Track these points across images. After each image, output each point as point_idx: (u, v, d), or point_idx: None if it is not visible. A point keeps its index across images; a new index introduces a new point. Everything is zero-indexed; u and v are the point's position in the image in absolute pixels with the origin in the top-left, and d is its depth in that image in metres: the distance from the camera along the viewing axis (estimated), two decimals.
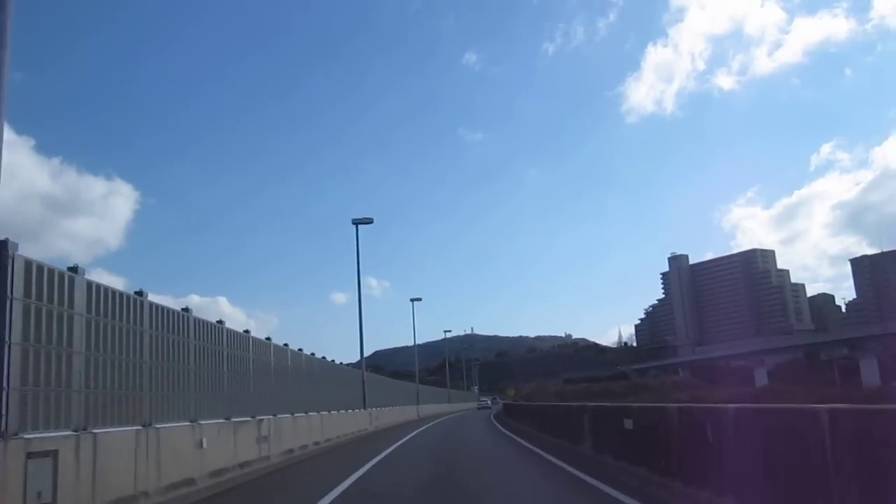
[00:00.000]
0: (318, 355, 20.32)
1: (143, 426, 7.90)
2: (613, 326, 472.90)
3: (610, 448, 10.61)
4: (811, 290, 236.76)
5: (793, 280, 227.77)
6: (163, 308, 8.88)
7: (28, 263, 6.03)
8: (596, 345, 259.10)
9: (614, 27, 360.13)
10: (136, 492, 7.36)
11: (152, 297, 8.48)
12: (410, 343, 58.98)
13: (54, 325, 6.34)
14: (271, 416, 13.44)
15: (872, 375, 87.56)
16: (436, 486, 10.04)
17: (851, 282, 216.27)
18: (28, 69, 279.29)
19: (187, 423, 9.22)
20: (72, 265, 6.77)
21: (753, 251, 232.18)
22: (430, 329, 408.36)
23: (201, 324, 10.28)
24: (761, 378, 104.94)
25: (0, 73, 6.12)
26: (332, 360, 21.80)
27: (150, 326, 8.42)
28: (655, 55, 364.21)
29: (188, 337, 9.70)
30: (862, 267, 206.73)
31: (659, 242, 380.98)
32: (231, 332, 11.72)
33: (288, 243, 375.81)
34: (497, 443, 19.21)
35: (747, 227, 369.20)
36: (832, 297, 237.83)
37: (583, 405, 13.51)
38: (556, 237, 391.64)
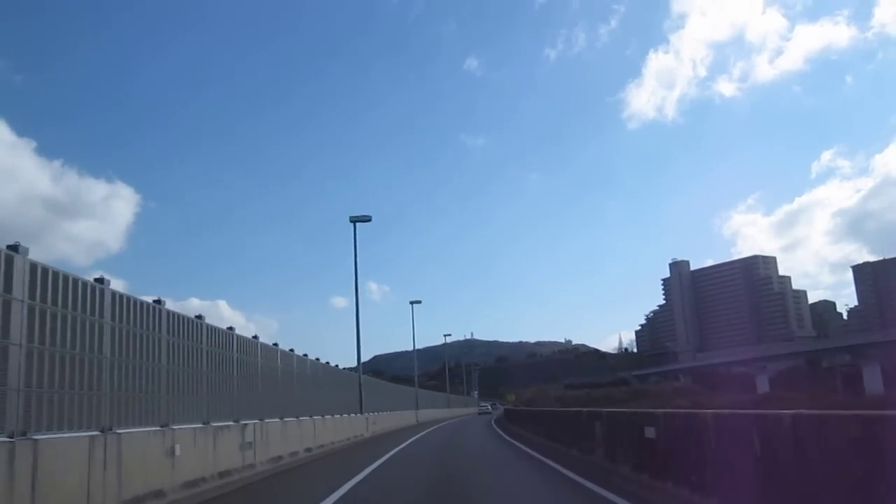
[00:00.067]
0: (319, 359, 19.41)
1: (101, 431, 6.92)
2: (614, 332, 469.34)
3: (627, 458, 9.63)
4: (811, 298, 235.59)
5: (793, 287, 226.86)
6: (128, 298, 7.91)
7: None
8: (596, 350, 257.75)
9: (616, 33, 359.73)
10: None
11: (114, 286, 7.51)
12: (410, 348, 58.06)
13: None
14: (257, 421, 12.45)
15: (875, 382, 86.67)
16: (436, 500, 9.07)
17: (851, 289, 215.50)
18: (29, 71, 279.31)
19: (156, 429, 8.24)
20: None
21: (755, 257, 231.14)
22: (430, 334, 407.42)
23: (176, 318, 9.32)
24: (763, 385, 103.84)
25: None
26: (328, 363, 20.77)
27: (113, 319, 7.44)
28: (657, 61, 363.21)
29: (160, 332, 8.73)
30: (864, 274, 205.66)
31: (660, 249, 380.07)
32: (212, 329, 10.74)
33: (288, 247, 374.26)
34: (500, 450, 18.19)
35: (748, 233, 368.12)
36: (833, 304, 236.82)
37: (595, 411, 12.50)
38: (557, 242, 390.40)
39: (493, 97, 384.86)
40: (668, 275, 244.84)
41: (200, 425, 9.68)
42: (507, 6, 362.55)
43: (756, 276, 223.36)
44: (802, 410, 5.13)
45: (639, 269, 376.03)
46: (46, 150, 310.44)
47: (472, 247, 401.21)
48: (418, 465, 14.22)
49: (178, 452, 8.53)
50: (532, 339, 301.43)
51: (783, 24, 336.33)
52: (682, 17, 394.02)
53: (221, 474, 10.08)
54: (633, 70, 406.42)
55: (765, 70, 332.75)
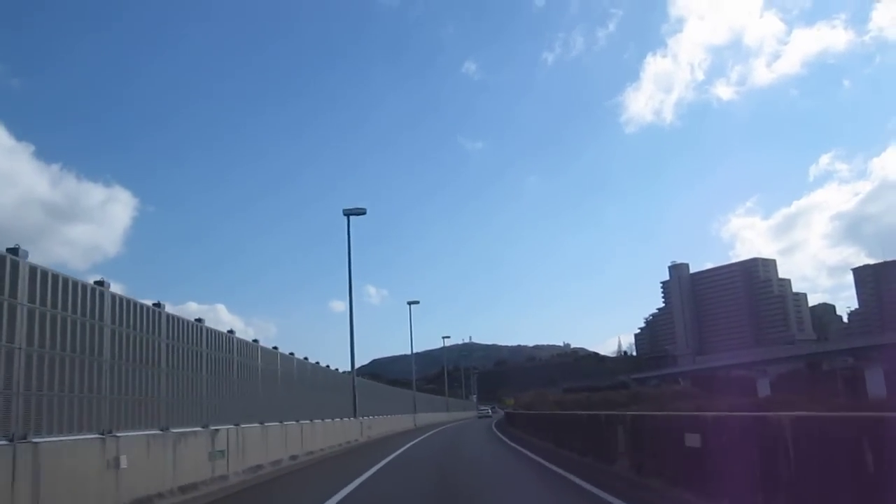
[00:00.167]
0: (307, 359, 17.92)
1: (9, 441, 5.47)
2: (613, 335, 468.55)
3: (660, 470, 8.18)
4: (810, 301, 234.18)
5: (793, 290, 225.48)
6: (73, 281, 6.52)
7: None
8: (595, 354, 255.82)
9: (614, 37, 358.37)
10: None
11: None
12: (409, 351, 56.46)
13: None
14: (232, 426, 10.97)
15: (878, 385, 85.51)
16: None
17: (850, 292, 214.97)
18: (27, 74, 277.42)
19: (94, 437, 6.78)
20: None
21: (754, 260, 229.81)
22: (429, 337, 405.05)
23: (126, 304, 7.90)
24: (764, 388, 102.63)
25: None
26: (318, 363, 19.23)
27: (113, 322, 6.02)
28: (655, 65, 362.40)
29: (103, 320, 7.33)
30: (864, 276, 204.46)
31: (658, 252, 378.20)
32: (175, 320, 9.26)
33: (287, 250, 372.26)
34: (504, 458, 16.71)
35: (746, 237, 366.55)
36: (833, 307, 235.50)
37: (617, 414, 11.08)
38: (556, 245, 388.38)
39: (492, 100, 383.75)
40: (667, 278, 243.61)
41: (156, 432, 8.21)
42: (506, 9, 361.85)
43: (756, 278, 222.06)
44: None
45: (637, 272, 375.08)
46: (45, 154, 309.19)
47: (471, 250, 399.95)
48: (416, 474, 12.75)
49: (124, 464, 7.07)
50: (531, 343, 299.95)
51: (781, 27, 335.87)
52: (680, 21, 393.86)
53: (184, 489, 8.60)
54: (631, 74, 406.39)
55: (762, 74, 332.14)
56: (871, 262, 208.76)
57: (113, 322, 7.55)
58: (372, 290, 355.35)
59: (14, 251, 5.95)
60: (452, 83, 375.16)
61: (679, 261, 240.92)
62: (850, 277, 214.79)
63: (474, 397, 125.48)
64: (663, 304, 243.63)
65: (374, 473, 12.52)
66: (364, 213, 26.43)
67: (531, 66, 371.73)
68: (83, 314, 6.92)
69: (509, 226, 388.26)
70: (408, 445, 22.09)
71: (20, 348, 5.88)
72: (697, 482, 6.94)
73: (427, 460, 16.67)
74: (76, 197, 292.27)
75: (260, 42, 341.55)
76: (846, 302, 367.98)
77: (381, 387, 37.76)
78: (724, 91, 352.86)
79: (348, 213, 25.97)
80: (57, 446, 6.03)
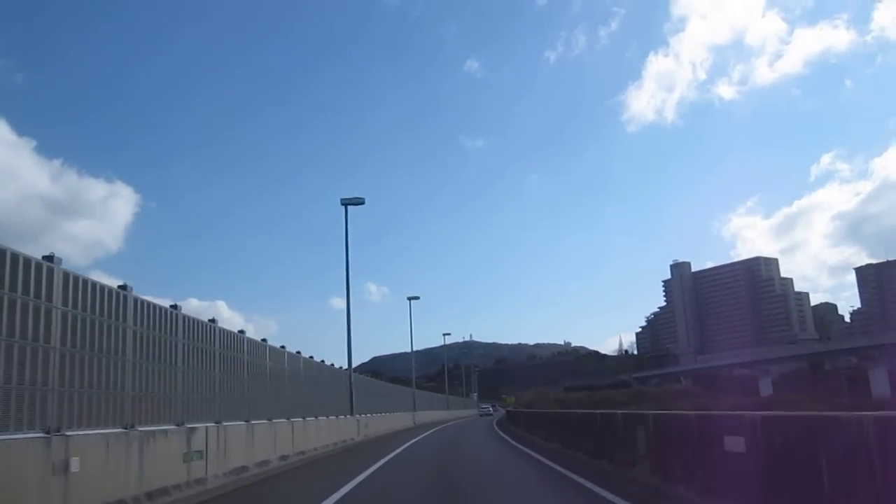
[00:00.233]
0: (300, 353, 16.91)
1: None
2: (614, 334, 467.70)
3: (691, 477, 7.17)
4: (811, 300, 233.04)
5: (795, 289, 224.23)
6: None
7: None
8: (596, 352, 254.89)
9: (616, 36, 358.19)
10: None
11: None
12: (409, 349, 55.45)
13: None
14: (212, 425, 10.00)
15: (882, 385, 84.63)
16: None
17: (850, 292, 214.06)
18: (29, 70, 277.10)
19: (37, 436, 5.80)
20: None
21: (756, 259, 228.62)
22: (429, 336, 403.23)
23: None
24: (766, 387, 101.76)
25: None
26: (311, 357, 18.21)
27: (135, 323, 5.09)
28: (656, 64, 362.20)
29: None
30: (867, 276, 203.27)
31: (659, 251, 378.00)
32: (142, 304, 8.25)
33: (288, 248, 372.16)
34: (510, 459, 15.76)
35: (747, 236, 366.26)
36: (835, 307, 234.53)
37: (637, 413, 10.08)
38: (557, 244, 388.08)
39: (493, 99, 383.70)
40: (669, 276, 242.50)
41: (118, 430, 7.22)
42: (508, 8, 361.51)
43: (758, 277, 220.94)
44: None
45: (638, 270, 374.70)
46: (46, 150, 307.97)
47: (472, 249, 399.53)
48: (417, 476, 11.78)
49: (74, 468, 6.10)
50: (531, 342, 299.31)
51: (783, 27, 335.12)
52: (682, 20, 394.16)
53: (151, 495, 7.61)
54: (632, 73, 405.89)
55: (764, 73, 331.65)
56: (872, 261, 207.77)
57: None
58: (373, 287, 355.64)
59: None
60: (453, 82, 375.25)
61: (680, 260, 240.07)
62: (851, 277, 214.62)
63: (475, 395, 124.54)
64: (665, 303, 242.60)
65: (371, 475, 11.57)
66: (363, 203, 25.45)
67: (533, 65, 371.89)
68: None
69: (510, 224, 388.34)
70: (407, 444, 21.14)
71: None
72: (739, 492, 5.95)
73: (428, 458, 15.71)
74: (77, 192, 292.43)
75: (261, 40, 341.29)
76: (847, 302, 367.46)
77: (379, 384, 36.70)
78: (725, 90, 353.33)
79: (346, 203, 25.00)
80: None
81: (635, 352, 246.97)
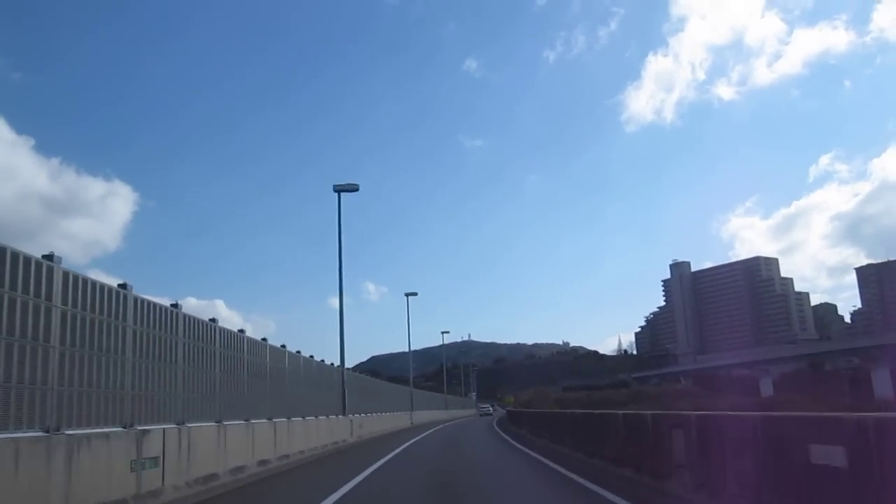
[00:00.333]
0: (285, 347, 16.13)
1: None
2: (613, 334, 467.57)
3: (757, 497, 6.11)
4: (811, 301, 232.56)
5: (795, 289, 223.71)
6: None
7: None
8: (595, 352, 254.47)
9: (615, 36, 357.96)
10: None
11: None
12: (407, 348, 54.84)
13: None
14: (172, 426, 8.93)
15: (885, 386, 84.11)
16: None
17: (850, 292, 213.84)
18: (28, 69, 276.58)
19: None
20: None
21: (756, 259, 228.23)
22: (427, 335, 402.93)
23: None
24: (766, 388, 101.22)
25: None
26: (299, 352, 17.41)
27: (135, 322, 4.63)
28: (656, 64, 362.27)
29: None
30: (867, 276, 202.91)
31: (658, 251, 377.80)
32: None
33: (286, 247, 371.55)
34: (515, 465, 15.11)
35: (746, 236, 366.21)
36: (835, 307, 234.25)
37: (673, 414, 8.85)
38: (556, 244, 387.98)
39: (492, 98, 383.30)
40: (668, 276, 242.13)
41: (38, 434, 6.10)
42: (507, 8, 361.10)
43: (758, 277, 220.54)
44: None
45: (637, 271, 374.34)
46: (45, 148, 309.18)
47: (471, 248, 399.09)
48: (413, 482, 11.13)
49: None
50: (530, 341, 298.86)
51: (782, 28, 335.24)
52: (682, 21, 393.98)
53: None
54: (632, 73, 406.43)
55: (763, 74, 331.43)
56: (871, 262, 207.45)
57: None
58: (371, 286, 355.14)
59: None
60: (453, 81, 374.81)
61: (679, 260, 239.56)
62: (850, 278, 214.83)
63: (473, 395, 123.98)
64: (664, 303, 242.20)
65: (362, 481, 10.87)
66: (357, 190, 24.93)
67: (532, 65, 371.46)
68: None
69: (509, 224, 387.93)
70: (403, 446, 20.62)
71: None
72: None
73: (427, 460, 15.10)
74: (76, 191, 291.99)
75: (261, 40, 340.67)
76: (845, 302, 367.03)
77: (375, 382, 35.93)
78: (724, 91, 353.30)
79: (339, 190, 24.45)
80: None
81: (634, 352, 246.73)
